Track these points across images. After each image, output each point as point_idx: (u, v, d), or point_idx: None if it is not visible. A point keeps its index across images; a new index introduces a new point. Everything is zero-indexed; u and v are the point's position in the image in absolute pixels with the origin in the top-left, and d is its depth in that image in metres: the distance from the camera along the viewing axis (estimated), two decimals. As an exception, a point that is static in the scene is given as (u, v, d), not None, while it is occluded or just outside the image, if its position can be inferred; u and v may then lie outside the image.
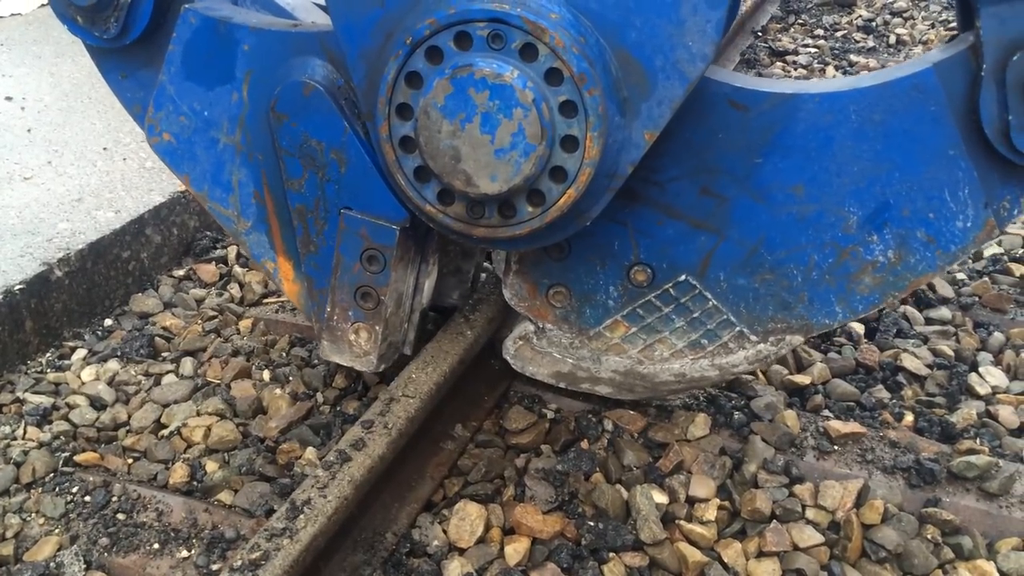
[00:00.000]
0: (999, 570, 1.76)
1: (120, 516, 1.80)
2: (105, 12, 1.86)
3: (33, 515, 1.81)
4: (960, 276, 2.71)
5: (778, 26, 5.28)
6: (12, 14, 4.47)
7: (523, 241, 1.76)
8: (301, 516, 1.52)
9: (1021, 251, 2.83)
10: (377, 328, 1.94)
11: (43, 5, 4.64)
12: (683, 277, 1.89)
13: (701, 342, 1.95)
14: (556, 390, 2.16)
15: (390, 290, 1.90)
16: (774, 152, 1.77)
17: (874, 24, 5.21)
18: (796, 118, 1.74)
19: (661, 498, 1.88)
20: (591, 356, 2.02)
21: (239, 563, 1.42)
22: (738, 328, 1.92)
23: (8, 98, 3.34)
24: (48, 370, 2.25)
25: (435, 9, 1.55)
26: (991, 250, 2.86)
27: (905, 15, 5.35)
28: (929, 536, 1.83)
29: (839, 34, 5.09)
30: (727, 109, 1.75)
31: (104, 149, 2.93)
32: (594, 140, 1.57)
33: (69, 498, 1.85)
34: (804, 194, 1.79)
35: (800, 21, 5.40)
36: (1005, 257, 2.81)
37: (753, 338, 1.92)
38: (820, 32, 5.16)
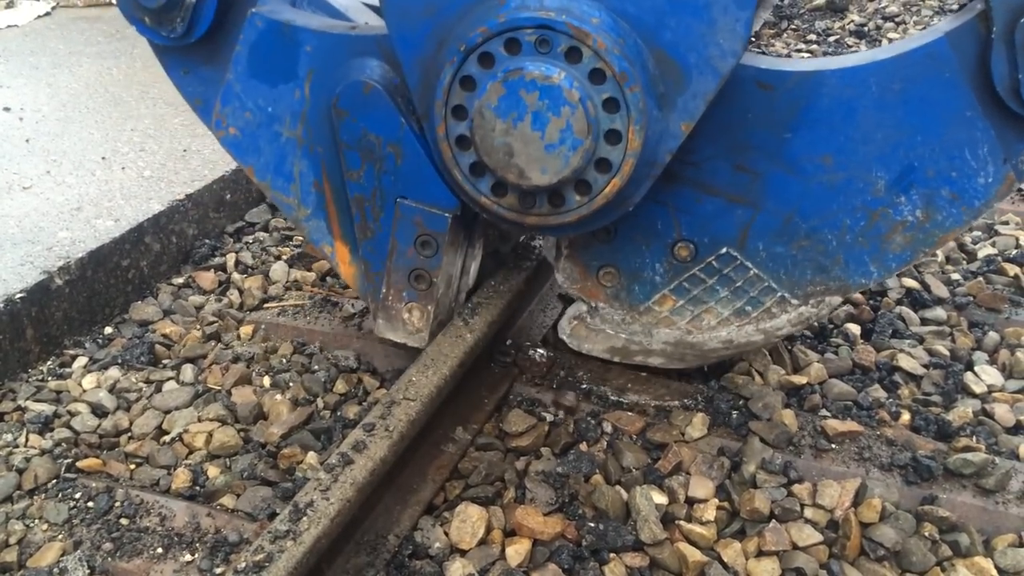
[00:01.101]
0: (996, 567, 1.77)
1: (123, 521, 1.81)
2: (171, 13, 1.98)
3: (36, 521, 1.82)
4: (955, 276, 2.73)
5: (771, 32, 5.31)
6: (8, 26, 4.49)
7: (572, 227, 1.91)
8: (304, 518, 1.53)
9: (1015, 252, 2.85)
10: (429, 308, 2.11)
11: (39, 17, 4.66)
12: (724, 249, 2.02)
13: (745, 309, 2.08)
14: (554, 392, 2.19)
15: (442, 272, 2.07)
16: (801, 126, 1.89)
17: (866, 29, 5.24)
18: (820, 93, 1.86)
19: (660, 499, 1.89)
20: (642, 330, 2.16)
21: (243, 565, 1.43)
22: (780, 294, 2.05)
23: (6, 109, 3.36)
24: (49, 378, 2.26)
25: (486, 18, 1.70)
26: (985, 251, 2.88)
27: (897, 20, 5.39)
28: (927, 533, 1.84)
29: (832, 39, 5.12)
30: (755, 90, 1.88)
31: (103, 158, 2.94)
32: (635, 133, 1.71)
33: (72, 504, 1.86)
34: (833, 163, 1.91)
35: (793, 27, 5.43)
36: (999, 257, 2.82)
37: (794, 302, 2.05)
38: (813, 37, 5.20)
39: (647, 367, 2.24)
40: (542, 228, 1.92)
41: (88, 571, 1.69)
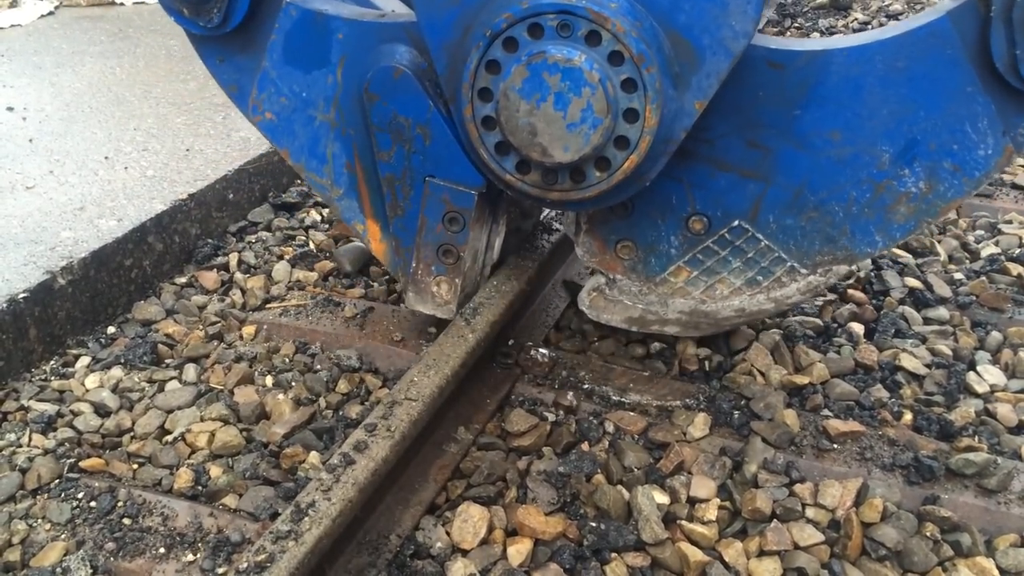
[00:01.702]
0: (998, 567, 1.77)
1: (126, 521, 1.82)
2: (208, 4, 2.09)
3: (39, 521, 1.83)
4: (958, 276, 2.72)
5: (774, 30, 5.31)
6: (12, 25, 4.49)
7: (591, 202, 2.01)
8: (306, 519, 1.53)
9: (1018, 251, 2.85)
10: (457, 280, 2.23)
11: (42, 16, 4.67)
12: (736, 222, 2.12)
13: (757, 279, 2.18)
14: (556, 392, 2.19)
15: (468, 247, 2.19)
16: (811, 104, 1.98)
17: (870, 27, 5.23)
18: (828, 71, 1.96)
19: (662, 498, 1.90)
20: (659, 300, 2.26)
21: (244, 566, 1.43)
22: (789, 264, 2.15)
23: (9, 108, 3.37)
24: (52, 378, 2.27)
25: (510, 5, 1.79)
26: (988, 250, 2.88)
27: (901, 17, 5.38)
28: (928, 533, 1.84)
29: (835, 37, 5.11)
30: (765, 69, 1.97)
31: (105, 158, 2.95)
32: (652, 112, 1.81)
33: (75, 504, 1.86)
34: (840, 138, 2.00)
35: (796, 24, 5.42)
36: (1003, 257, 2.82)
37: (804, 271, 2.15)
38: (816, 35, 5.19)
39: (642, 360, 2.25)
40: (564, 203, 2.03)
41: (91, 571, 1.69)
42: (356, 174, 2.24)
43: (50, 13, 4.73)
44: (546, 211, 2.67)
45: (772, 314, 2.30)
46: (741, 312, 2.23)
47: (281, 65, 2.17)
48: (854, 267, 2.23)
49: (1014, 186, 3.32)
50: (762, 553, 1.82)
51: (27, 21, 4.56)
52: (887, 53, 1.95)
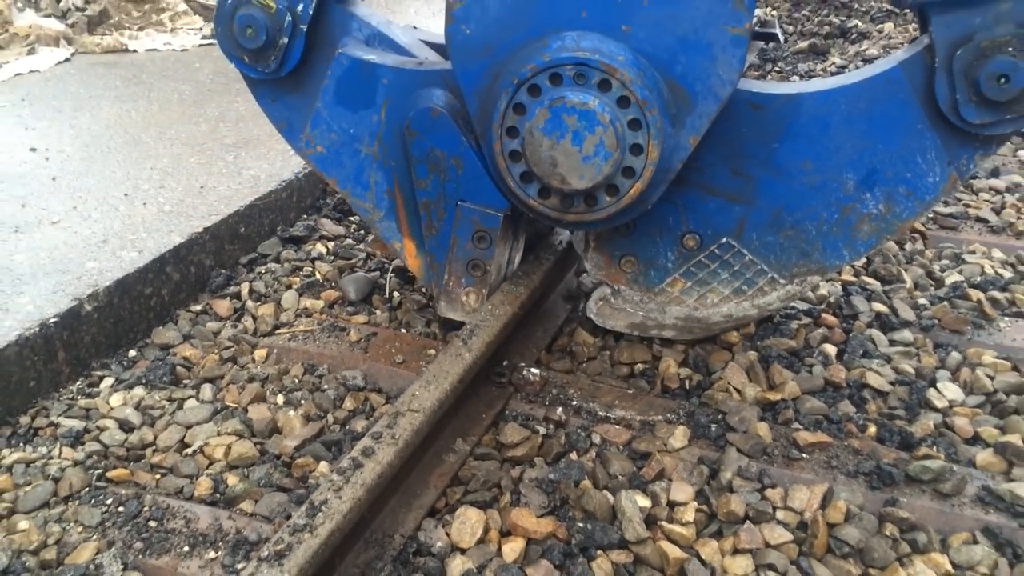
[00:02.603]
0: (951, 562, 1.92)
1: (152, 523, 1.97)
2: (267, 52, 2.42)
3: (72, 524, 1.97)
4: (922, 301, 2.90)
5: (756, 74, 5.53)
6: (31, 71, 4.69)
7: (602, 223, 2.34)
8: (320, 514, 1.69)
9: (980, 279, 3.03)
10: (483, 291, 2.53)
11: (59, 63, 4.88)
12: (724, 240, 2.43)
13: (743, 288, 2.48)
14: (546, 408, 2.36)
15: (494, 262, 2.50)
16: (786, 138, 2.30)
17: (847, 71, 5.46)
18: (800, 111, 2.27)
19: (644, 502, 2.05)
20: (657, 308, 2.55)
21: (266, 554, 1.59)
22: (770, 275, 2.45)
23: (32, 149, 3.55)
24: (79, 396, 2.42)
25: (534, 57, 2.11)
26: (952, 278, 3.05)
27: (876, 62, 5.61)
28: (888, 533, 1.99)
29: (806, 82, 5.34)
30: (748, 109, 2.28)
31: (125, 195, 3.13)
32: (654, 146, 2.12)
33: (104, 508, 2.01)
34: (812, 168, 2.32)
35: (777, 68, 5.66)
36: (965, 284, 3.00)
37: (782, 281, 2.45)
38: (796, 79, 5.42)
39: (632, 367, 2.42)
40: (579, 224, 2.35)
41: (122, 567, 1.84)
42: (396, 199, 2.54)
43: (66, 60, 4.94)
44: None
45: (756, 319, 2.60)
46: (729, 318, 2.52)
47: (332, 106, 2.47)
48: (824, 278, 2.47)
49: (978, 219, 3.51)
50: (736, 551, 1.96)
51: (45, 67, 4.77)
52: (850, 96, 2.25)
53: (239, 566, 1.85)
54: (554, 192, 2.23)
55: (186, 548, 1.90)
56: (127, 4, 5.53)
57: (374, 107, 2.45)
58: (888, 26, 6.31)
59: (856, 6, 7.15)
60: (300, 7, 2.39)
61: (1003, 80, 2.06)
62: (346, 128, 2.49)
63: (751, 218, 2.39)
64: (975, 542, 1.97)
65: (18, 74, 4.62)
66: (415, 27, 2.88)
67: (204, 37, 5.47)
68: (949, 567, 1.90)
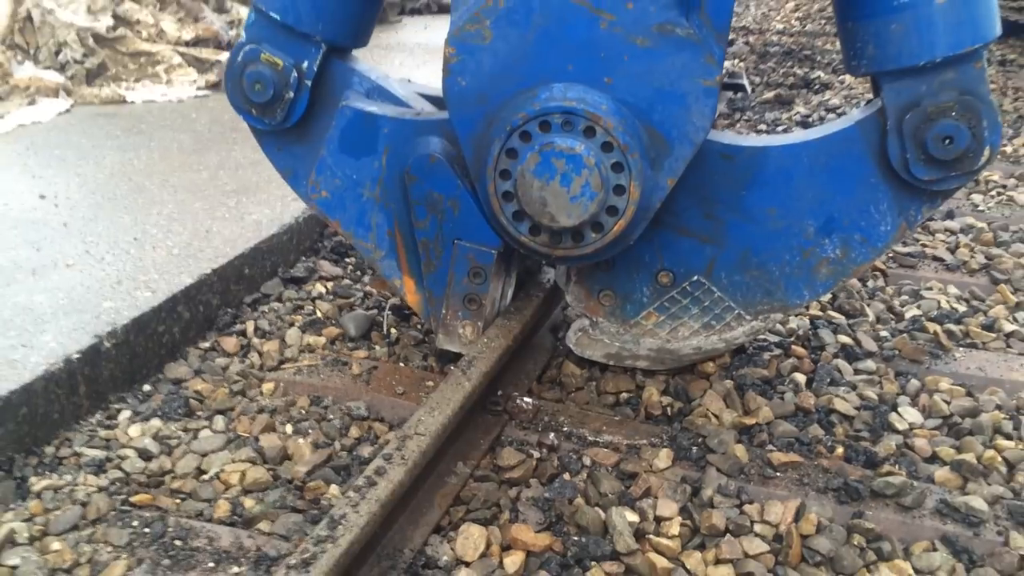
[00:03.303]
0: (913, 568, 2.08)
1: (177, 543, 2.09)
2: (274, 106, 2.59)
3: (101, 544, 2.09)
4: (884, 334, 3.09)
5: (725, 122, 5.79)
6: (33, 122, 4.83)
7: (588, 258, 2.49)
8: (340, 526, 1.83)
9: (936, 312, 3.24)
10: (479, 323, 2.67)
11: (60, 114, 5.03)
12: (696, 277, 2.60)
13: (711, 323, 2.66)
14: (540, 434, 2.51)
15: (489, 296, 2.64)
16: (753, 186, 2.49)
17: (811, 120, 5.73)
18: (767, 162, 2.47)
19: (633, 517, 2.20)
20: (632, 340, 2.71)
21: (294, 562, 1.73)
22: (737, 311, 2.63)
23: (42, 196, 3.69)
24: (99, 428, 2.53)
25: (524, 106, 2.29)
26: (911, 312, 3.26)
27: (839, 111, 5.90)
28: (856, 542, 2.15)
29: (780, 129, 5.61)
30: (719, 159, 2.47)
31: (135, 239, 3.27)
32: (635, 187, 2.29)
33: (131, 530, 2.13)
34: (777, 214, 2.51)
35: (745, 117, 5.92)
36: (923, 317, 3.21)
37: (748, 317, 2.64)
38: (763, 127, 5.68)
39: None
40: (566, 259, 2.52)
41: (151, 582, 1.97)
42: (396, 239, 2.69)
43: (67, 111, 5.09)
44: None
45: (723, 352, 2.76)
46: (698, 350, 2.70)
47: (337, 153, 2.63)
48: (787, 315, 2.68)
49: (934, 258, 3.74)
50: (718, 561, 2.11)
51: (46, 118, 4.91)
52: (811, 151, 2.45)
53: (261, 580, 1.98)
54: (544, 229, 2.39)
55: (211, 564, 2.03)
56: (123, 57, 5.70)
57: (375, 154, 2.61)
58: (848, 77, 6.62)
59: (818, 59, 7.48)
60: (305, 64, 2.58)
61: (948, 141, 2.28)
62: (349, 174, 2.65)
63: (720, 258, 2.57)
64: (935, 549, 2.13)
65: (21, 124, 4.76)
66: (409, 80, 3.07)
67: (199, 88, 5.65)
68: (911, 572, 2.07)
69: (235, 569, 2.01)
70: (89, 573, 2.00)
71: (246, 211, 3.59)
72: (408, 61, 6.63)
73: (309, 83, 2.59)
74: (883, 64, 2.34)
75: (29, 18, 5.62)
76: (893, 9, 2.27)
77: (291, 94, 2.59)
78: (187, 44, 6.00)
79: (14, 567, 2.00)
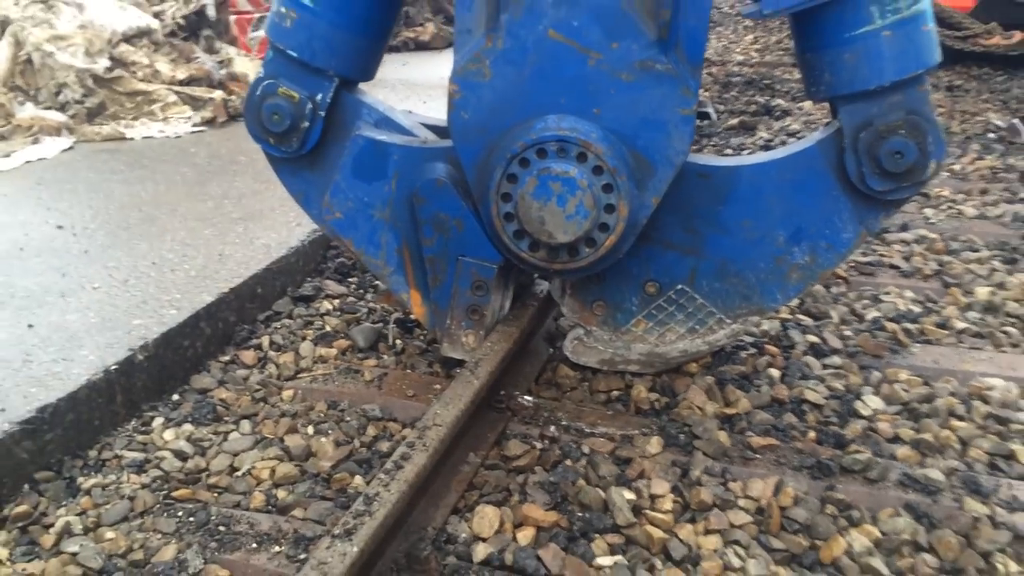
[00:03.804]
0: (880, 531, 2.31)
1: (221, 528, 2.28)
2: (290, 135, 2.81)
3: (151, 532, 2.27)
4: (847, 333, 3.35)
5: (694, 148, 6.06)
6: (39, 158, 5.02)
7: (582, 271, 2.72)
8: (375, 503, 2.03)
9: (894, 314, 3.50)
10: (481, 332, 2.89)
11: (64, 151, 5.21)
12: (680, 286, 2.82)
13: (696, 327, 2.87)
14: (541, 428, 2.73)
15: (490, 307, 2.86)
16: (729, 202, 2.71)
17: (773, 144, 6.04)
18: (739, 180, 2.71)
19: (630, 496, 2.41)
20: (624, 346, 2.93)
21: (338, 532, 1.93)
22: (718, 316, 2.85)
23: (59, 226, 3.87)
24: (135, 434, 2.71)
25: (523, 136, 2.53)
26: (872, 314, 3.52)
27: (799, 136, 6.21)
28: (829, 512, 2.38)
29: (744, 152, 5.91)
30: (697, 178, 2.70)
31: (153, 263, 3.47)
32: (624, 206, 2.53)
33: (177, 519, 2.31)
34: (750, 226, 2.73)
35: (712, 143, 6.22)
36: (883, 318, 3.47)
37: (728, 321, 2.85)
38: (729, 151, 5.98)
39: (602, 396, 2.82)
40: (563, 272, 2.73)
41: (203, 561, 2.15)
42: (404, 256, 2.90)
43: (70, 148, 5.27)
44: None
45: (707, 353, 2.97)
46: (685, 353, 2.90)
47: (350, 178, 2.84)
48: (763, 317, 2.89)
49: (891, 266, 4.01)
50: (707, 532, 2.32)
51: (51, 155, 5.09)
52: (778, 168, 2.69)
53: (301, 556, 2.17)
54: (543, 246, 2.61)
55: (254, 545, 2.22)
56: (121, 96, 5.90)
57: (386, 179, 2.82)
58: (807, 104, 6.96)
59: (778, 87, 7.83)
60: (319, 96, 2.80)
61: (898, 156, 2.53)
62: (361, 197, 2.86)
63: (701, 268, 2.79)
64: (899, 515, 2.36)
65: (28, 161, 4.94)
66: (411, 111, 3.32)
67: (194, 125, 5.86)
68: (879, 535, 2.30)
69: (276, 548, 2.21)
70: (143, 556, 2.19)
71: (254, 236, 3.80)
72: (391, 96, 6.88)
73: (323, 114, 2.81)
74: (838, 89, 2.58)
75: (29, 61, 5.82)
76: (846, 41, 2.52)
77: (306, 124, 2.81)
78: (181, 83, 6.21)
79: (74, 554, 2.19)
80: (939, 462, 2.58)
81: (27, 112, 5.55)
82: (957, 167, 5.55)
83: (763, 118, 6.82)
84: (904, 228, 4.49)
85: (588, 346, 2.96)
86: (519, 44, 2.52)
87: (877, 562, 2.20)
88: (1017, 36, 8.37)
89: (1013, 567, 2.17)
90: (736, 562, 2.22)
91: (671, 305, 2.85)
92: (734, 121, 6.65)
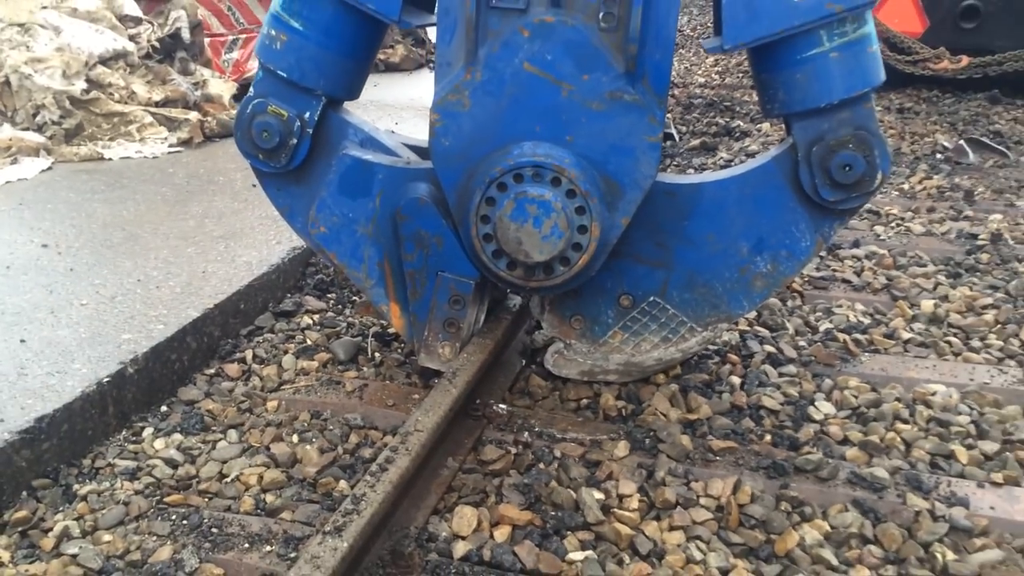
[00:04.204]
0: (830, 525, 2.48)
1: (214, 530, 2.39)
2: (279, 151, 2.93)
3: (147, 535, 2.38)
4: (802, 344, 3.55)
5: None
6: (19, 179, 5.08)
7: (557, 288, 2.88)
8: (362, 502, 2.16)
9: (844, 325, 3.70)
10: (457, 344, 3.01)
11: (43, 171, 5.28)
12: (652, 298, 2.97)
13: (669, 337, 3.01)
14: (515, 434, 2.88)
15: (466, 321, 2.98)
16: (693, 216, 2.86)
17: (733, 164, 6.27)
18: (703, 196, 2.86)
19: (599, 496, 2.56)
20: (602, 357, 3.07)
21: (328, 528, 2.06)
22: (689, 324, 2.99)
23: (44, 245, 3.96)
24: (126, 443, 2.81)
25: (500, 162, 2.68)
26: (825, 325, 3.71)
27: (756, 156, 6.44)
28: (783, 508, 2.55)
29: (705, 172, 6.12)
30: (664, 196, 2.84)
31: (139, 280, 3.57)
32: (596, 226, 2.68)
33: (171, 522, 2.42)
34: (715, 239, 2.88)
35: (675, 163, 6.43)
36: (835, 329, 3.67)
37: (699, 329, 3.00)
38: (691, 171, 6.19)
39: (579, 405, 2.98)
40: (539, 289, 2.88)
41: (198, 561, 2.26)
42: (385, 270, 3.02)
43: (49, 168, 5.33)
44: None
45: (680, 361, 3.14)
46: (659, 361, 3.06)
47: (336, 195, 2.96)
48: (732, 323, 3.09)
49: (843, 280, 4.22)
50: (671, 528, 2.47)
51: (31, 175, 5.16)
52: (738, 184, 2.85)
53: (292, 555, 2.30)
54: (520, 264, 2.75)
55: (246, 545, 2.34)
56: (98, 118, 5.97)
57: (370, 196, 2.94)
58: (765, 126, 7.20)
59: (738, 109, 8.09)
60: (307, 114, 2.92)
61: (848, 168, 2.70)
62: (346, 212, 2.97)
63: (671, 280, 2.93)
64: (847, 511, 2.53)
65: (7, 181, 5.00)
66: (393, 131, 3.46)
67: (171, 145, 5.95)
68: (828, 528, 2.47)
69: (267, 548, 2.33)
70: (140, 557, 2.30)
71: (236, 254, 3.91)
72: (362, 117, 7.01)
73: (310, 131, 2.94)
74: (792, 107, 2.73)
75: (7, 83, 5.88)
76: (797, 62, 2.68)
77: (294, 141, 2.93)
78: (157, 104, 6.30)
79: (74, 555, 2.29)
80: (885, 462, 2.76)
81: (5, 133, 5.61)
82: (906, 186, 5.81)
83: (724, 139, 7.05)
84: (856, 244, 4.71)
85: (568, 359, 3.10)
86: (496, 76, 2.68)
87: (827, 553, 2.37)
88: (964, 60, 8.68)
89: (950, 555, 2.35)
90: (698, 555, 2.37)
91: (645, 316, 2.99)
92: (696, 142, 6.87)
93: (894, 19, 8.84)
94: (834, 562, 2.35)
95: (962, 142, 6.61)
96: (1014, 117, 7.86)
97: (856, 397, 3.13)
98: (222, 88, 6.88)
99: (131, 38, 6.66)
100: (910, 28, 8.86)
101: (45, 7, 6.43)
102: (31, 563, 2.28)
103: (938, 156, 6.52)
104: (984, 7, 8.53)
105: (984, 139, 6.79)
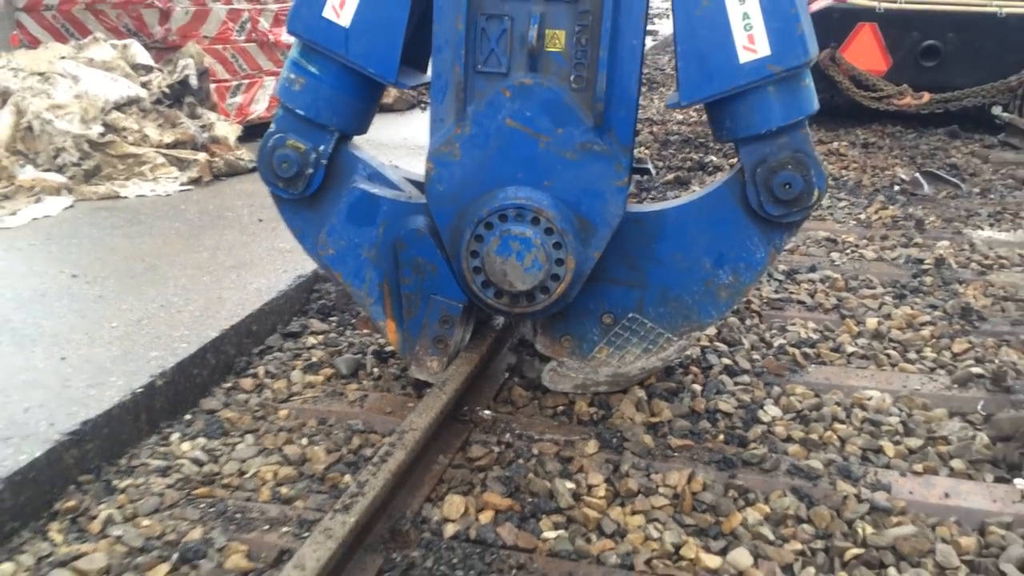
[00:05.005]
0: (771, 508, 2.85)
1: (237, 515, 2.74)
2: (297, 180, 3.29)
3: (180, 520, 2.73)
4: (756, 357, 3.93)
5: (635, 200, 6.70)
6: (44, 216, 5.47)
7: (539, 313, 3.22)
8: (366, 486, 2.53)
9: (796, 340, 4.09)
10: (444, 359, 3.35)
11: (65, 209, 5.66)
12: (631, 314, 3.28)
13: (649, 347, 3.33)
14: (498, 436, 3.24)
15: (454, 339, 3.32)
16: (660, 239, 3.19)
17: (705, 196, 6.68)
18: (666, 221, 3.19)
19: (571, 485, 2.92)
20: (591, 371, 3.40)
21: (338, 507, 2.42)
22: (666, 335, 3.30)
23: (74, 275, 4.33)
24: (156, 447, 3.17)
25: (487, 204, 3.05)
26: (779, 341, 4.10)
27: (727, 189, 6.86)
28: (730, 495, 2.92)
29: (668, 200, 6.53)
30: (632, 224, 3.17)
31: (162, 306, 3.94)
32: (571, 259, 3.03)
33: (199, 510, 2.78)
34: (681, 257, 3.19)
35: (650, 196, 6.85)
36: (786, 344, 4.05)
37: (675, 339, 3.31)
38: (666, 204, 6.60)
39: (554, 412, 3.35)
40: (523, 315, 3.23)
41: (226, 540, 2.61)
42: (384, 291, 3.34)
43: (71, 206, 5.71)
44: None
45: (661, 368, 3.49)
46: (643, 370, 3.40)
47: (344, 222, 3.29)
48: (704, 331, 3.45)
49: (798, 301, 4.62)
50: (634, 512, 2.83)
51: (55, 212, 5.53)
52: (696, 207, 3.20)
53: (305, 535, 2.65)
54: (505, 293, 3.11)
55: (266, 527, 2.69)
56: (114, 159, 6.36)
57: (375, 225, 3.27)
58: (736, 160, 7.63)
59: (712, 145, 8.53)
60: (322, 147, 3.27)
61: (787, 186, 3.01)
62: (352, 238, 3.29)
63: (646, 297, 3.25)
64: (785, 496, 2.89)
65: (34, 219, 5.38)
66: (396, 166, 3.85)
67: (182, 184, 6.35)
68: (768, 511, 2.83)
69: (285, 529, 2.69)
70: (175, 537, 2.65)
71: (247, 282, 4.29)
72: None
73: (324, 163, 3.30)
74: (738, 133, 3.01)
75: (30, 128, 6.27)
76: (742, 96, 3.00)
77: (311, 171, 3.27)
78: (168, 146, 6.70)
79: (119, 536, 2.64)
80: (821, 456, 3.13)
81: (28, 174, 5.99)
82: (863, 216, 6.22)
83: (697, 173, 7.47)
84: (812, 269, 5.10)
85: (562, 374, 3.43)
86: (483, 130, 3.08)
87: (766, 530, 2.73)
88: (926, 97, 9.11)
89: (869, 530, 2.71)
90: (655, 534, 2.73)
91: (626, 331, 3.30)
92: (671, 176, 7.29)
93: (860, 58, 9.29)
94: (771, 538, 2.71)
95: (918, 174, 7.04)
96: (971, 151, 8.33)
97: (801, 402, 3.51)
98: (228, 130, 7.29)
99: (143, 85, 7.09)
100: (875, 66, 9.31)
101: (64, 57, 6.87)
102: (82, 543, 2.62)
103: (895, 188, 6.95)
104: (944, 47, 9.01)
105: (939, 172, 7.24)
